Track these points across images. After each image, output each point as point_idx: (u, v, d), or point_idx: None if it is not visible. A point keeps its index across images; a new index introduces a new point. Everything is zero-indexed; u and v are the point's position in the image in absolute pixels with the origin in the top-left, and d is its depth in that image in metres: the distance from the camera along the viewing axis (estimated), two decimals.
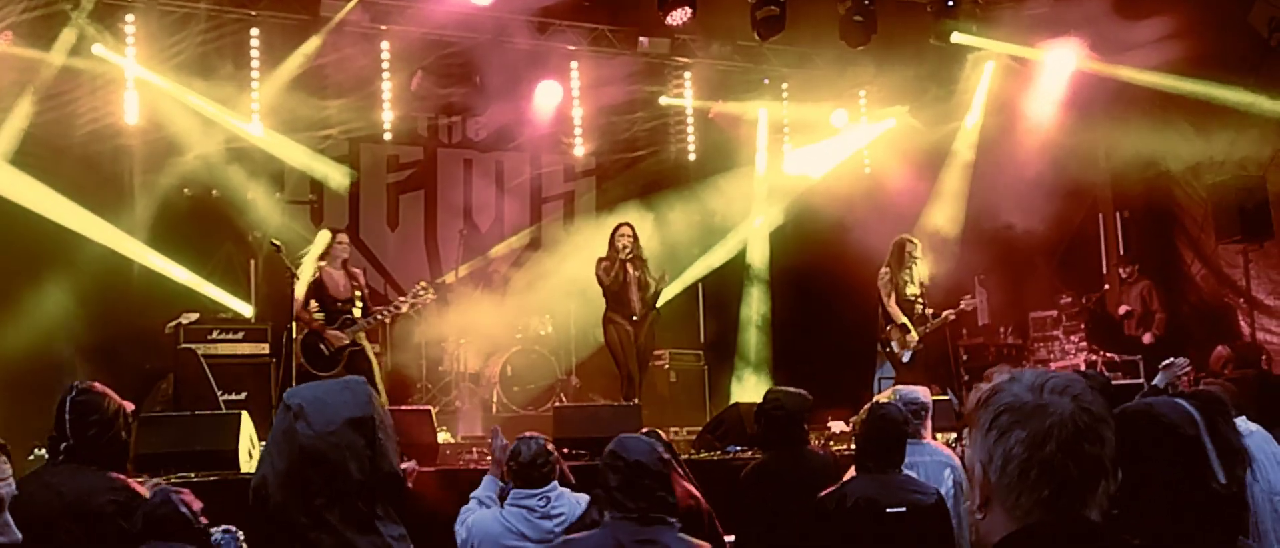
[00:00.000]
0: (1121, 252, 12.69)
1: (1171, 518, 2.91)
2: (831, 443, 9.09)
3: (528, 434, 5.05)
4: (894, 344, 10.50)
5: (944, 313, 10.44)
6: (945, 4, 11.70)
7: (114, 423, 4.48)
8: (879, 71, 12.82)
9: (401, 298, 9.65)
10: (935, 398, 9.31)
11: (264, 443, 2.52)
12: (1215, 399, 5.58)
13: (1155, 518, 2.92)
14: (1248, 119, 10.63)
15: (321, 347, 9.00)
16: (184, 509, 3.92)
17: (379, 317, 9.42)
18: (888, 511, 4.79)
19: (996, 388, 1.86)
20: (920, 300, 10.42)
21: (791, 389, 6.02)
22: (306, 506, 2.33)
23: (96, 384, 4.54)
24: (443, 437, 8.59)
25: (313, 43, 10.94)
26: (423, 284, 9.81)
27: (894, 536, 4.76)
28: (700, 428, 9.51)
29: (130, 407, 4.66)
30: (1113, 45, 11.19)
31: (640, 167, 13.39)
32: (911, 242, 10.64)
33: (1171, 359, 6.70)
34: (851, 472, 5.19)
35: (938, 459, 5.93)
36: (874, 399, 5.40)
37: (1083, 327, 12.03)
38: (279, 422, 2.27)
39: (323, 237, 9.41)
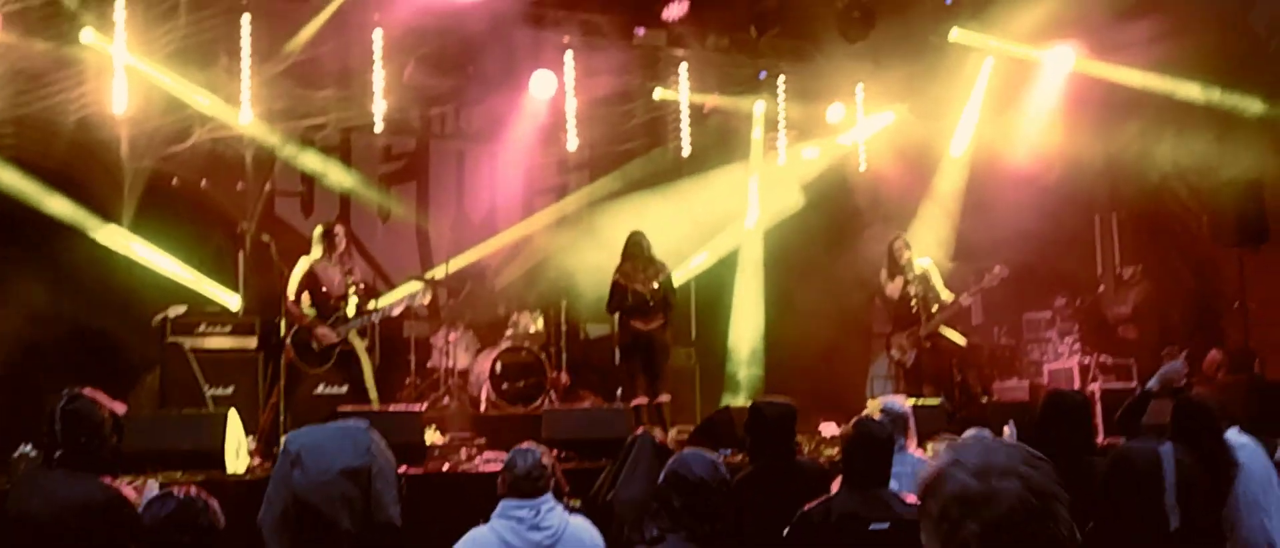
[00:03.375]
0: (1118, 254, 12.66)
1: None
2: (823, 447, 9.04)
3: (525, 446, 4.98)
4: (895, 352, 10.50)
5: (959, 297, 10.41)
6: (944, 1, 11.64)
7: (103, 430, 4.44)
8: (877, 67, 12.73)
9: (397, 300, 9.51)
10: (927, 402, 9.34)
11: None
12: (1203, 412, 5.54)
13: None
14: (1246, 122, 10.58)
15: (313, 344, 8.89)
16: (202, 520, 3.85)
17: (372, 318, 9.32)
18: (872, 526, 4.75)
19: (940, 474, 1.82)
20: (916, 300, 10.37)
21: (775, 399, 6.03)
22: None
23: (87, 390, 4.50)
24: (431, 437, 8.52)
25: (305, 32, 10.82)
26: (419, 286, 9.73)
27: None
28: (691, 429, 9.46)
29: (122, 409, 4.61)
30: (1110, 46, 11.14)
31: (634, 160, 13.31)
32: (898, 240, 10.60)
33: (1169, 364, 6.68)
34: (837, 484, 5.15)
35: (919, 471, 5.88)
36: (860, 415, 5.36)
37: (1077, 328, 12.00)
38: (278, 465, 2.23)
39: (319, 231, 9.27)
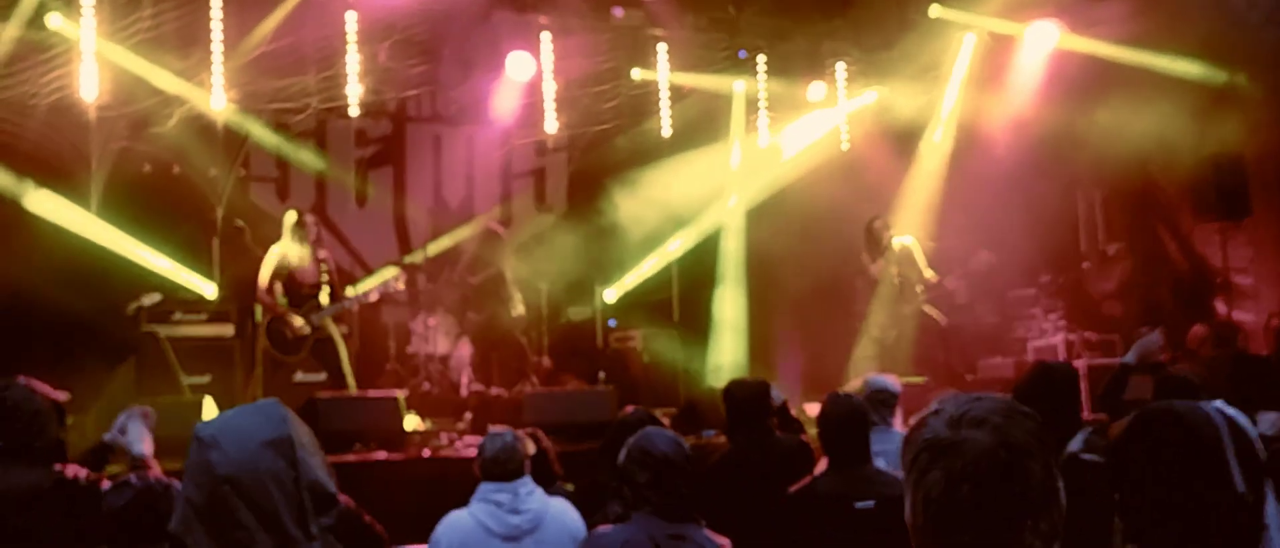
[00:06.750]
0: (1101, 230, 12.62)
1: (1188, 528, 2.75)
2: (808, 426, 8.97)
3: (496, 430, 4.94)
4: (875, 331, 10.49)
5: (944, 279, 10.47)
6: None
7: (41, 418, 4.31)
8: (857, 45, 12.64)
9: (373, 287, 9.40)
10: (911, 380, 9.30)
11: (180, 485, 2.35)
12: (1187, 387, 5.46)
13: (1171, 528, 2.76)
14: (1226, 96, 10.55)
15: (287, 332, 8.78)
16: (162, 505, 3.74)
17: (347, 305, 9.21)
18: (857, 505, 4.71)
19: (920, 422, 1.71)
20: (898, 279, 10.36)
21: (746, 379, 6.03)
22: (231, 538, 2.17)
23: (20, 378, 4.37)
24: (412, 423, 8.43)
25: (277, 15, 10.65)
26: (395, 272, 9.62)
27: (864, 530, 4.68)
28: (674, 410, 9.39)
29: (63, 397, 4.50)
30: (1090, 21, 11.08)
31: (614, 142, 13.18)
32: (877, 220, 10.58)
33: (1144, 337, 6.61)
34: (824, 463, 5.10)
35: None
36: (836, 390, 5.34)
37: (1062, 305, 11.96)
38: (192, 455, 2.13)
39: (290, 218, 9.14)
